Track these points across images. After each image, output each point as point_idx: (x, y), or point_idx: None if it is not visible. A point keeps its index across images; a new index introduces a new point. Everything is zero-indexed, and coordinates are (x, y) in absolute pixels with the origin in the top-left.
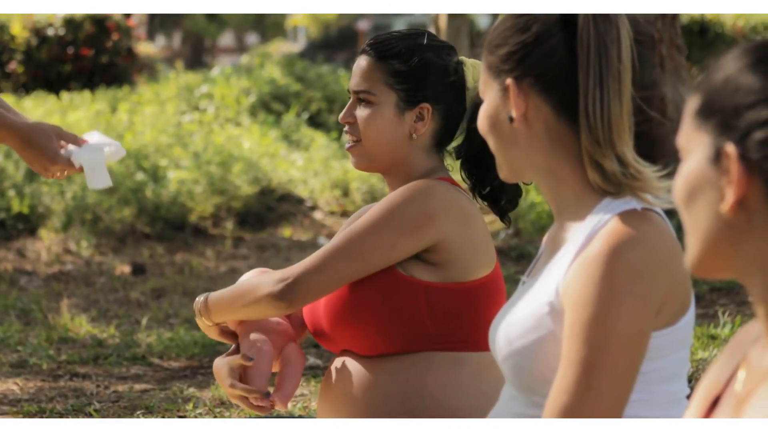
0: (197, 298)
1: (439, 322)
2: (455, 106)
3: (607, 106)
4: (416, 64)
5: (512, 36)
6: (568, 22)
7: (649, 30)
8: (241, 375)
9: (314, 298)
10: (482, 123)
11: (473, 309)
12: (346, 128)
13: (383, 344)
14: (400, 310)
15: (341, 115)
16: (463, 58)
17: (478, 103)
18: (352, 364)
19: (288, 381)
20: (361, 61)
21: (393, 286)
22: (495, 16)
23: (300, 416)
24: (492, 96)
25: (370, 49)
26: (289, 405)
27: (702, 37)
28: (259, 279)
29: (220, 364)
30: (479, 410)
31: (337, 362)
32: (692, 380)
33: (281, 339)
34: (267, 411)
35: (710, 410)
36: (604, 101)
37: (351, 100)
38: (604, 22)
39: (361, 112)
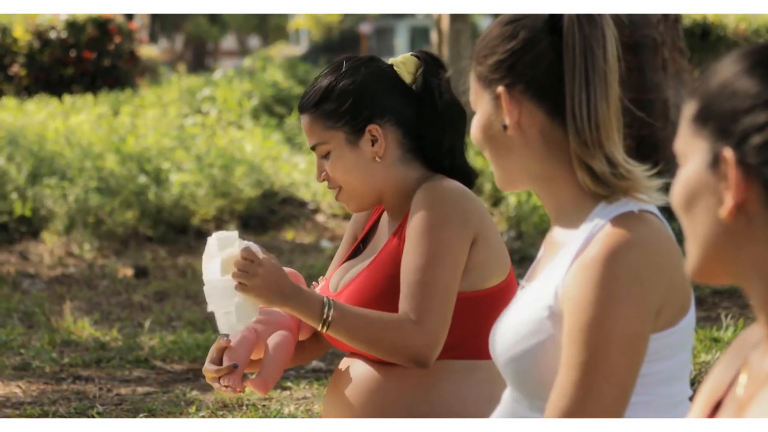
0: (324, 304)
1: (456, 332)
2: (404, 109)
3: (594, 107)
4: (342, 96)
5: (500, 44)
6: (554, 26)
7: (651, 33)
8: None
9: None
10: (476, 134)
11: (489, 316)
12: (327, 185)
13: None
14: None
15: (316, 176)
16: (391, 60)
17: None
18: (362, 368)
19: (266, 367)
20: (302, 122)
21: None
22: (497, 16)
23: (303, 419)
24: (484, 106)
25: (301, 106)
26: (293, 407)
27: (704, 39)
28: (393, 331)
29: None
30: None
31: (345, 365)
32: (695, 383)
33: (272, 328)
34: (236, 391)
35: (712, 414)
36: (591, 102)
37: (316, 159)
38: (589, 23)
39: (327, 165)
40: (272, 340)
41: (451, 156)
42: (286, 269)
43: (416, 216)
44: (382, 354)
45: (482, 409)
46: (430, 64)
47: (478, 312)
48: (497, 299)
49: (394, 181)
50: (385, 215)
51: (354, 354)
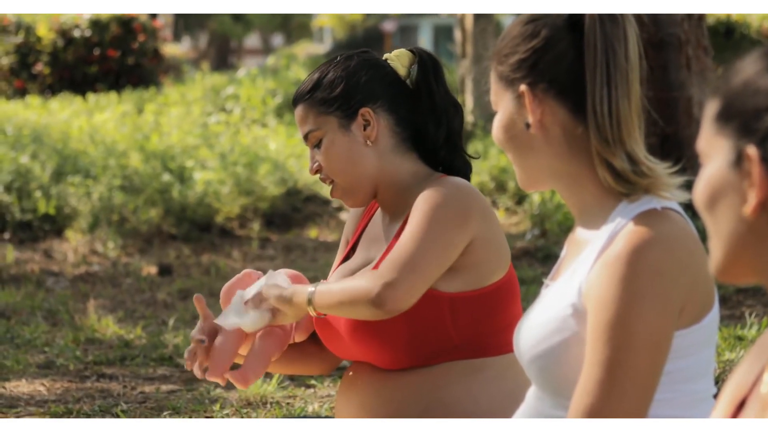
0: (308, 289)
1: (462, 331)
2: (397, 98)
3: (616, 104)
4: (334, 83)
5: (521, 43)
6: (575, 24)
7: (675, 31)
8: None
9: (411, 302)
10: (498, 133)
11: (493, 313)
12: (320, 177)
13: (406, 360)
14: (425, 325)
15: (309, 168)
16: (386, 55)
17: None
18: (370, 376)
19: (248, 362)
20: (296, 113)
21: (417, 303)
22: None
23: (327, 417)
24: (506, 105)
25: (295, 98)
26: (317, 405)
27: (728, 38)
28: (358, 283)
29: None
30: (501, 413)
31: (354, 373)
32: (719, 381)
33: None
34: (221, 380)
35: (736, 413)
36: (612, 99)
37: (309, 150)
38: (610, 21)
39: (319, 154)
40: (261, 335)
41: (446, 150)
42: (291, 271)
43: (416, 207)
44: (350, 307)
45: (494, 407)
46: (424, 58)
47: (481, 310)
48: (499, 296)
49: (388, 172)
50: (378, 213)
51: (360, 362)
